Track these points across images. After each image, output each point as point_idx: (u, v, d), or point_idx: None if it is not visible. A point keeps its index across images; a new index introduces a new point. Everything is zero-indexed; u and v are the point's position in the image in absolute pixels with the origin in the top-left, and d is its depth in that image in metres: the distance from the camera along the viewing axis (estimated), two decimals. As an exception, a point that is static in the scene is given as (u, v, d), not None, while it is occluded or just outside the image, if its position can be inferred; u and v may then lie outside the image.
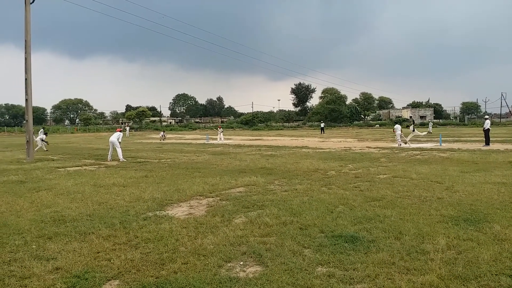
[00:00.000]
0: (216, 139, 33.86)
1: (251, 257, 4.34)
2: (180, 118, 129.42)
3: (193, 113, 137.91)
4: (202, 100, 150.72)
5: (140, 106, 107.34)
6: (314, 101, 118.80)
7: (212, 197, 7.80)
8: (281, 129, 78.33)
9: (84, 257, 4.35)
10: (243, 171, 11.82)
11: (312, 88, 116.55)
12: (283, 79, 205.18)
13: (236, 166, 13.18)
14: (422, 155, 16.27)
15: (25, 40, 16.99)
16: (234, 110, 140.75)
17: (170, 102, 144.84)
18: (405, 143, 22.97)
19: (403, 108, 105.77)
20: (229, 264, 4.14)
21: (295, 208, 6.54)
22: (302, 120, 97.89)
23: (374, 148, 21.07)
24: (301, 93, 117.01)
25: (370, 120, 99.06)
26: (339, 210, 6.34)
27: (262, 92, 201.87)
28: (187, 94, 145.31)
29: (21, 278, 3.78)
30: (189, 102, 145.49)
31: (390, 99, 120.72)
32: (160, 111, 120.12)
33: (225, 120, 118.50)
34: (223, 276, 3.82)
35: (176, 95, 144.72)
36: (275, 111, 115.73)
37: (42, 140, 23.57)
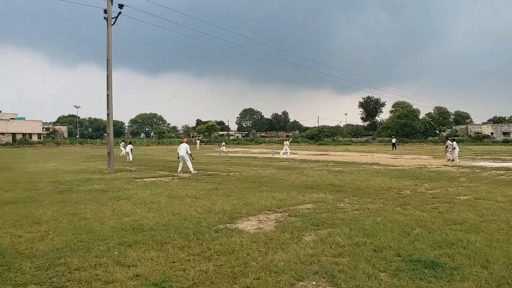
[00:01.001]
0: (280, 152, 33.90)
1: (324, 277, 4.24)
2: (247, 132, 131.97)
3: (259, 127, 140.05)
4: (267, 115, 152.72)
5: (209, 121, 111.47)
6: (384, 115, 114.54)
7: (280, 213, 7.79)
8: (348, 144, 76.42)
9: (161, 266, 4.55)
10: (310, 187, 11.69)
11: (381, 101, 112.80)
12: (350, 92, 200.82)
13: (303, 182, 13.07)
14: (508, 175, 14.89)
15: (107, 59, 18.50)
16: (299, 124, 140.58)
17: (237, 117, 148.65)
18: (452, 160, 22.31)
19: (483, 123, 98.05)
20: (301, 283, 4.08)
21: (368, 228, 6.30)
22: (371, 135, 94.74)
23: (452, 166, 19.72)
24: (370, 106, 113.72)
25: (446, 136, 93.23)
26: (416, 233, 5.99)
27: (328, 106, 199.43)
28: (253, 109, 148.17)
29: (105, 282, 4.05)
30: (255, 116, 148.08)
31: (468, 114, 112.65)
32: (228, 126, 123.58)
33: (290, 134, 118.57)
34: (295, 294, 3.77)
35: (243, 110, 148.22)
36: (342, 126, 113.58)
37: (127, 151, 26.17)
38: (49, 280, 4.13)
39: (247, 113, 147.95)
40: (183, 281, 4.10)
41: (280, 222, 6.93)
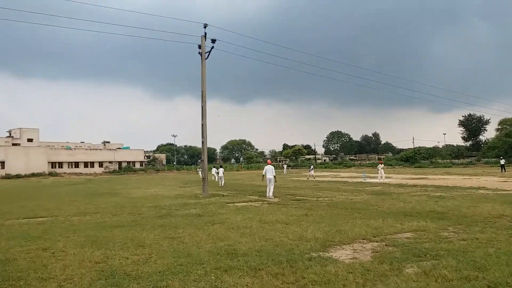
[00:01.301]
0: (375, 177, 32.43)
1: (430, 314, 3.87)
2: (334, 156, 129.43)
3: (347, 150, 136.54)
4: (356, 137, 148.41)
5: (295, 145, 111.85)
6: (488, 134, 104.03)
7: (377, 242, 7.38)
8: (449, 167, 70.47)
9: (256, 293, 4.57)
10: (408, 214, 10.94)
11: (485, 119, 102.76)
12: (447, 110, 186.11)
13: (400, 208, 12.29)
14: None
15: (202, 91, 19.72)
16: (392, 146, 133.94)
17: (324, 140, 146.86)
18: None
19: None
20: (404, 320, 3.77)
21: (479, 261, 5.65)
22: (475, 156, 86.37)
23: None
24: (472, 125, 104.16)
25: None
26: (540, 268, 5.21)
27: (423, 126, 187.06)
28: (340, 131, 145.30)
29: (205, 307, 4.18)
30: (343, 139, 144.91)
31: None
32: (315, 149, 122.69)
33: (382, 157, 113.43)
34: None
35: (330, 133, 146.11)
36: (440, 146, 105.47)
37: (220, 176, 27.71)
38: (153, 301, 4.37)
39: (335, 136, 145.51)
40: (279, 310, 4.05)
41: (377, 252, 6.56)
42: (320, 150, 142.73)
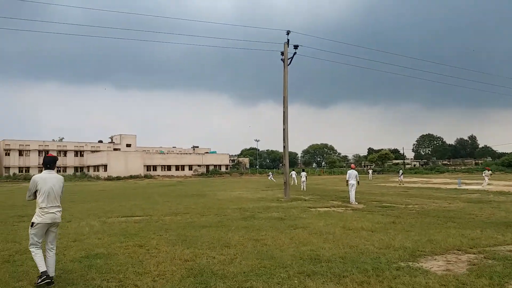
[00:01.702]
0: (474, 183, 29.73)
1: None
2: (425, 161, 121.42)
3: (440, 154, 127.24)
4: (450, 140, 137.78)
5: (382, 149, 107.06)
6: None
7: (474, 254, 6.76)
8: (561, 173, 62.07)
9: (340, 300, 4.47)
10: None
11: None
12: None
13: (502, 218, 11.13)
14: None
15: (284, 97, 19.90)
16: (492, 150, 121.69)
17: (414, 144, 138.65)
18: None
19: None
20: None
21: None
22: None
23: None
24: None
25: None
26: None
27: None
28: (432, 135, 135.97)
29: (288, 310, 4.19)
30: (435, 142, 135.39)
31: None
32: (403, 154, 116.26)
33: (480, 161, 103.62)
34: None
35: (420, 136, 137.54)
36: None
37: (303, 180, 27.81)
38: (238, 301, 4.50)
39: (426, 139, 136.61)
40: (364, 319, 3.92)
41: (474, 264, 6.01)
42: (409, 154, 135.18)
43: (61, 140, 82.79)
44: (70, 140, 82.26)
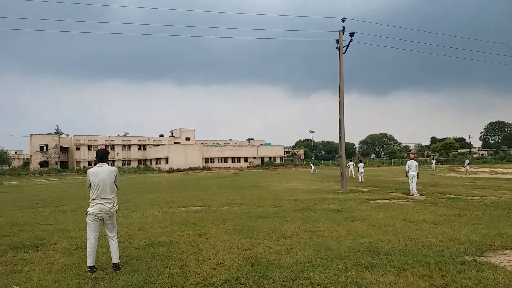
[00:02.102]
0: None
1: None
2: (495, 149, 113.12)
3: (511, 142, 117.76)
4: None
5: (446, 138, 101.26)
6: None
7: (552, 249, 6.24)
8: None
9: (400, 293, 4.34)
10: None
11: None
12: None
13: None
14: None
15: (339, 86, 19.43)
16: None
17: (482, 132, 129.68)
18: None
19: None
20: None
21: None
22: None
23: None
24: None
25: None
26: None
27: None
28: (503, 122, 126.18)
29: (345, 301, 4.15)
30: (506, 130, 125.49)
31: None
32: (470, 142, 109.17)
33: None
34: None
35: (489, 123, 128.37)
36: None
37: (361, 172, 27.05)
38: (295, 290, 4.53)
39: (495, 127, 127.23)
40: (426, 314, 3.78)
41: (551, 261, 5.55)
42: (476, 143, 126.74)
43: (125, 135, 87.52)
44: (133, 134, 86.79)
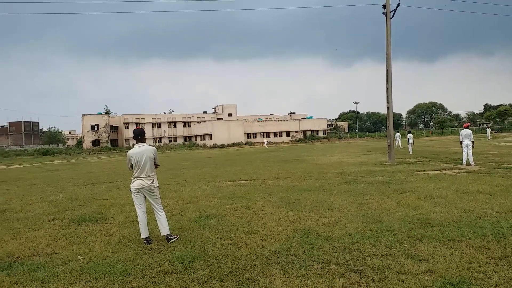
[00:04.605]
0: None
1: None
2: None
3: None
4: None
5: (501, 105, 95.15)
6: None
7: None
8: None
9: (456, 265, 4.24)
10: None
11: None
12: None
13: None
14: None
15: (386, 53, 18.61)
16: None
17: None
18: None
19: None
20: None
21: None
22: None
23: None
24: None
25: None
26: None
27: None
28: None
29: (398, 273, 4.12)
30: None
31: None
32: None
33: None
34: None
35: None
36: None
37: (411, 142, 26.31)
38: (345, 262, 4.54)
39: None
40: (484, 285, 3.68)
41: None
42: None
43: (170, 112, 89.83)
44: (178, 112, 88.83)
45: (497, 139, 44.41)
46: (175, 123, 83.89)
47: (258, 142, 74.02)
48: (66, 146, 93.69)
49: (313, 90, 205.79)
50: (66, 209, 9.15)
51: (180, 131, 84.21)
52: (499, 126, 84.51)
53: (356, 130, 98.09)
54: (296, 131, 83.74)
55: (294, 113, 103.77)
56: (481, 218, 6.26)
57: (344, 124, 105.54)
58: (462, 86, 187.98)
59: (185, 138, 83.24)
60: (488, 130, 51.02)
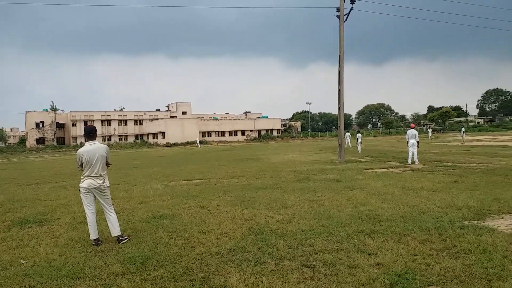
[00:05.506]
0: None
1: None
2: (491, 117, 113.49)
3: (508, 110, 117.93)
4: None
5: (443, 107, 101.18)
6: None
7: (548, 212, 6.37)
8: None
9: (402, 257, 4.45)
10: None
11: None
12: None
13: None
14: None
15: (339, 56, 19.17)
16: None
17: (479, 100, 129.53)
18: None
19: None
20: None
21: None
22: None
23: None
24: None
25: None
26: None
27: None
28: (500, 89, 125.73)
29: (349, 266, 4.26)
30: (503, 98, 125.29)
31: None
32: (466, 111, 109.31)
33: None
34: None
35: (486, 91, 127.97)
36: None
37: (360, 142, 27.44)
38: (299, 258, 4.63)
39: (492, 95, 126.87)
40: (427, 275, 3.90)
41: (547, 223, 5.68)
42: (473, 111, 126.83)
43: (121, 110, 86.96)
44: (130, 109, 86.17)
45: (438, 139, 47.23)
46: (126, 121, 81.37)
47: (213, 141, 73.62)
48: (7, 144, 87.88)
49: (269, 90, 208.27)
50: (7, 211, 8.60)
51: (132, 129, 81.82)
52: (441, 127, 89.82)
53: (309, 130, 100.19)
54: (251, 130, 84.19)
55: (249, 112, 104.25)
56: (424, 213, 6.63)
57: (297, 124, 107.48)
58: (408, 89, 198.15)
59: (136, 136, 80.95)
60: (430, 131, 54.10)
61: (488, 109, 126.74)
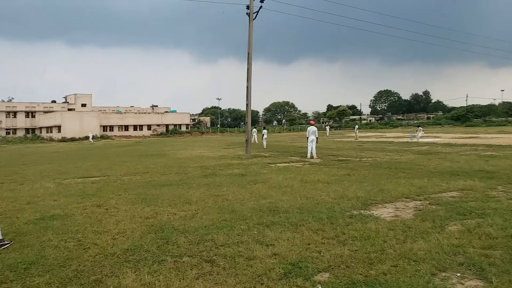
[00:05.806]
0: (426, 137, 31.36)
1: (470, 269, 3.86)
2: (381, 116, 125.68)
3: (395, 109, 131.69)
4: (406, 96, 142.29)
5: (340, 105, 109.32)
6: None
7: (420, 200, 7.27)
8: (504, 125, 66.54)
9: (297, 247, 4.72)
10: (455, 173, 10.60)
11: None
12: (507, 65, 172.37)
13: (447, 168, 11.91)
14: None
15: (248, 53, 19.48)
16: (443, 104, 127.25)
17: (371, 100, 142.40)
18: None
19: None
20: (443, 274, 3.79)
21: (529, 220, 5.45)
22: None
23: None
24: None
25: None
26: None
27: (479, 83, 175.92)
28: (390, 90, 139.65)
29: (247, 259, 4.38)
30: (392, 98, 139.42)
31: None
32: (360, 109, 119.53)
33: (431, 116, 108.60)
34: (438, 285, 3.54)
35: (378, 92, 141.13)
36: (496, 104, 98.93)
37: (265, 137, 28.12)
38: (199, 253, 4.63)
39: (383, 95, 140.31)
40: (318, 262, 4.18)
41: (420, 210, 6.48)
42: (367, 110, 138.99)
43: (10, 100, 77.88)
44: (20, 100, 77.53)
45: (335, 135, 50.92)
46: (15, 113, 73.25)
47: (116, 136, 69.81)
48: None
49: (179, 84, 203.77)
50: None
51: (22, 122, 73.91)
52: (338, 124, 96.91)
53: (218, 125, 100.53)
54: (158, 125, 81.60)
55: (156, 106, 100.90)
56: (319, 204, 7.11)
57: (207, 119, 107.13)
58: (310, 88, 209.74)
59: (27, 130, 73.28)
60: (327, 128, 57.99)
61: (379, 108, 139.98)
